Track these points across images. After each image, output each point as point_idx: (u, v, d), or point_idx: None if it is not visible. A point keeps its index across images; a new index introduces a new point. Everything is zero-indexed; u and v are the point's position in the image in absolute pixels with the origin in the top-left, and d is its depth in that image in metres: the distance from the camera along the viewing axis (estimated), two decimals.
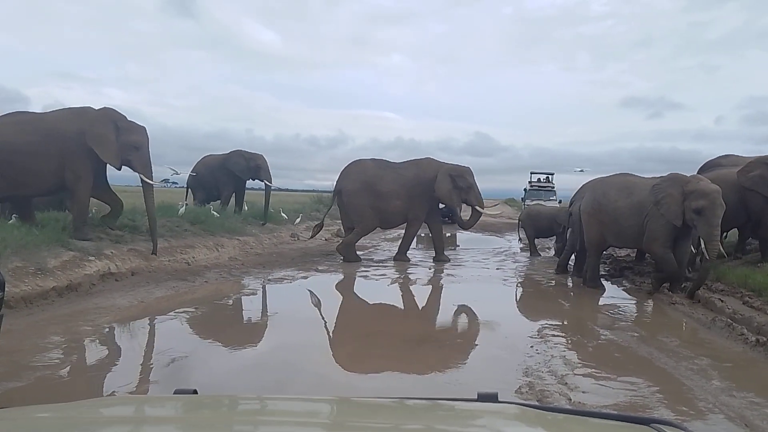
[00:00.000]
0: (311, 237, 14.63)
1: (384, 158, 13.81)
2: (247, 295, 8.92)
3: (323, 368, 5.29)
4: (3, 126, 9.60)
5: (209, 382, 4.84)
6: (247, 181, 17.24)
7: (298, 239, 16.15)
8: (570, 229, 12.18)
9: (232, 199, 17.17)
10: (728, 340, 6.66)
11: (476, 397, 1.45)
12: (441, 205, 13.59)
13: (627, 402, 4.55)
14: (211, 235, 12.70)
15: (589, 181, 11.75)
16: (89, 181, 9.96)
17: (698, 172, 11.87)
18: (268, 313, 8.16)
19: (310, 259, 12.80)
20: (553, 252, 15.89)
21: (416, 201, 13.08)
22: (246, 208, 17.24)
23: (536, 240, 15.74)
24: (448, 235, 19.95)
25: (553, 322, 7.45)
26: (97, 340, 6.06)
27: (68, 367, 5.19)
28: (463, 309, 8.64)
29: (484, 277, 11.55)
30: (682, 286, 9.44)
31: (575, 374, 5.23)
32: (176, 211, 12.41)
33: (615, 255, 14.12)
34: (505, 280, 11.27)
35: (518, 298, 9.96)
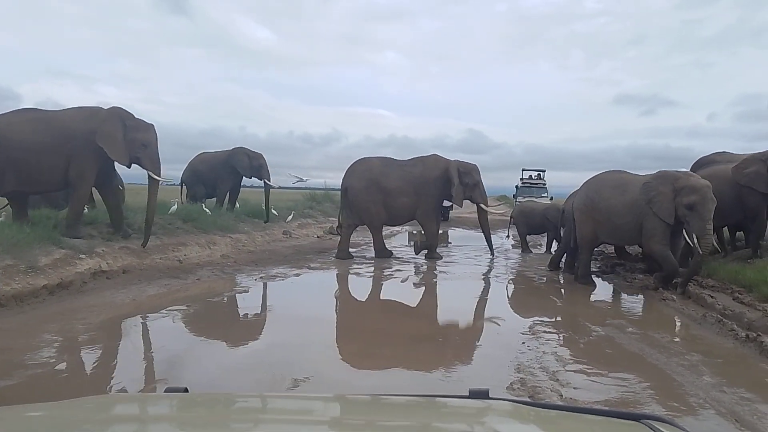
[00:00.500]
0: (337, 235, 14.42)
1: (379, 155, 13.78)
2: (239, 292, 8.91)
3: (317, 365, 5.29)
4: (17, 124, 9.69)
5: (202, 380, 4.83)
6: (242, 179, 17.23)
7: (291, 236, 16.13)
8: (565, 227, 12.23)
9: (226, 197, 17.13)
10: (719, 335, 6.71)
11: (468, 393, 1.45)
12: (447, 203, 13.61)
13: (618, 398, 4.57)
14: (204, 233, 12.67)
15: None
16: (92, 180, 10.10)
17: (692, 169, 11.97)
18: (261, 311, 8.15)
19: (303, 256, 12.80)
20: (545, 249, 15.98)
21: (425, 198, 13.10)
22: (237, 205, 17.22)
23: (528, 237, 15.81)
24: (440, 232, 20.04)
25: (545, 319, 7.49)
26: (89, 339, 6.04)
27: (60, 366, 5.17)
28: (455, 306, 8.66)
29: (477, 274, 11.58)
30: (673, 281, 9.50)
31: (567, 370, 5.25)
32: (167, 209, 12.35)
33: (606, 252, 14.18)
34: (497, 277, 11.30)
35: (510, 294, 9.99)
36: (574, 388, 4.75)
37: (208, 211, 14.23)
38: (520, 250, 15.34)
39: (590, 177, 10.85)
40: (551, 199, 26.51)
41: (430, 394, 1.51)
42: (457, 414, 1.38)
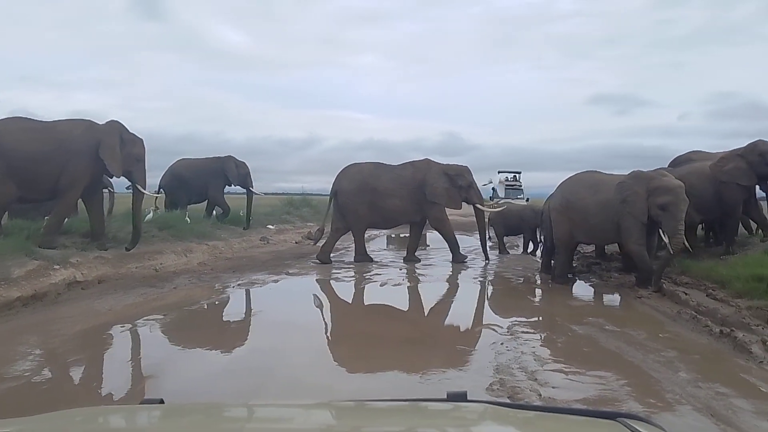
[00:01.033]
0: (315, 243, 14.29)
1: (369, 161, 13.76)
2: (217, 300, 8.84)
3: (297, 371, 5.27)
4: (15, 132, 9.81)
5: (181, 389, 4.79)
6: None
7: (269, 242, 16.05)
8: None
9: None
10: (694, 332, 6.81)
11: (446, 396, 1.46)
12: None
13: (596, 396, 4.62)
14: (180, 241, 12.57)
15: None
16: (80, 191, 10.40)
17: (669, 166, 12.25)
18: (240, 318, 8.10)
19: (282, 262, 12.74)
20: (521, 250, 16.08)
21: (426, 204, 13.05)
22: (215, 213, 17.17)
23: (505, 238, 15.89)
24: (423, 233, 20.05)
25: (523, 319, 7.53)
26: (64, 350, 5.95)
27: (34, 379, 5.08)
28: (434, 308, 8.69)
29: (455, 276, 11.63)
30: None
31: (545, 370, 5.29)
32: (143, 218, 12.20)
33: (582, 251, 14.29)
34: (475, 278, 11.35)
35: (488, 296, 10.04)
36: (553, 388, 4.78)
37: (188, 219, 14.19)
38: (497, 252, 15.41)
39: (566, 177, 10.95)
40: (527, 200, 26.74)
41: (409, 399, 1.51)
42: (434, 417, 1.39)
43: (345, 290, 9.90)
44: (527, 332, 6.78)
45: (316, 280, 10.80)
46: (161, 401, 1.47)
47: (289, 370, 5.32)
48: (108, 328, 6.94)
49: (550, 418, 1.39)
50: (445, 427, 1.30)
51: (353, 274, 11.43)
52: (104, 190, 12.65)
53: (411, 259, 13.28)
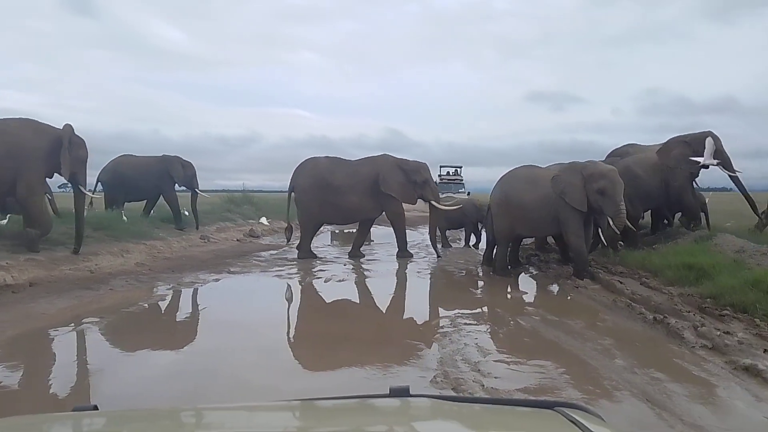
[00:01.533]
0: (288, 242, 14.03)
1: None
2: (156, 301, 8.62)
3: (241, 372, 5.19)
4: None
5: (119, 393, 4.66)
6: None
7: (209, 241, 15.75)
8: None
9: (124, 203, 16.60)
10: (629, 319, 7.03)
11: (388, 392, 1.45)
12: None
13: (537, 385, 4.71)
14: (116, 241, 12.19)
15: None
16: (42, 192, 10.70)
17: (607, 158, 12.71)
18: (180, 319, 7.92)
19: (223, 261, 12.51)
20: (463, 243, 16.28)
21: (383, 198, 12.93)
22: (153, 213, 16.76)
23: (447, 231, 16.05)
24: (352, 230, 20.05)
25: (466, 311, 7.61)
26: None
27: None
28: (378, 304, 8.72)
29: (400, 270, 11.69)
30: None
31: (488, 361, 5.37)
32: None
33: (523, 244, 14.57)
34: (419, 272, 11.43)
35: (431, 289, 10.13)
36: (495, 378, 4.86)
37: (125, 218, 13.84)
38: (440, 246, 15.55)
39: (505, 172, 11.15)
40: (468, 194, 27.13)
41: (352, 396, 1.50)
42: (376, 414, 1.38)
43: (287, 289, 9.80)
44: (470, 324, 6.87)
45: (259, 278, 10.65)
46: (95, 408, 1.42)
47: (232, 370, 5.23)
48: (41, 332, 6.68)
49: (490, 410, 1.41)
50: (386, 423, 1.30)
51: (297, 271, 11.34)
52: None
53: (356, 255, 13.26)
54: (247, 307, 8.40)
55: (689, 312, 6.86)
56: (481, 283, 10.34)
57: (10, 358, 5.71)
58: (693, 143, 11.16)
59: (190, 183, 16.67)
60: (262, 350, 6.00)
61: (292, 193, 13.34)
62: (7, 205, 11.18)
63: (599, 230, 9.76)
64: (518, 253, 11.69)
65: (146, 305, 8.32)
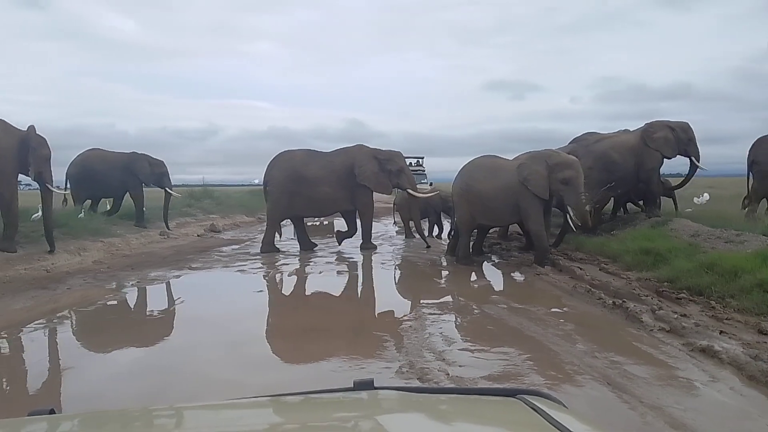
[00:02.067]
0: (279, 236, 13.77)
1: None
2: (115, 300, 8.44)
3: (204, 368, 5.13)
4: None
5: (76, 395, 4.56)
6: None
7: (169, 237, 15.51)
8: None
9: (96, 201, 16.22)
10: (589, 304, 7.17)
11: (352, 385, 1.45)
12: None
13: (500, 372, 4.77)
14: (73, 239, 11.92)
15: None
16: (15, 191, 10.74)
17: (569, 145, 13.00)
18: (140, 318, 7.77)
19: (183, 257, 12.34)
20: (427, 233, 16.35)
21: (355, 189, 12.83)
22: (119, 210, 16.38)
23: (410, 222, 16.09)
24: (326, 222, 19.99)
25: (430, 301, 7.67)
26: None
27: None
28: (341, 295, 8.71)
29: (363, 261, 11.70)
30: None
31: (453, 349, 5.42)
32: (29, 217, 11.48)
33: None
34: (383, 263, 11.45)
35: (395, 279, 10.15)
36: (460, 366, 4.91)
37: (83, 215, 13.56)
38: (403, 236, 15.61)
39: (466, 162, 11.21)
40: (431, 184, 27.24)
41: (314, 390, 1.49)
42: (340, 409, 1.37)
43: (251, 283, 9.71)
44: (434, 313, 6.91)
45: (219, 274, 10.51)
46: (51, 411, 1.37)
47: (196, 367, 5.17)
48: None
49: (453, 400, 1.42)
50: (351, 417, 1.29)
51: (260, 265, 11.24)
52: None
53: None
54: (210, 302, 8.29)
55: (647, 296, 7.03)
56: (445, 273, 10.41)
57: None
58: (677, 129, 11.68)
59: (160, 181, 16.21)
60: (224, 346, 5.92)
61: (267, 187, 13.21)
62: None
63: (567, 216, 9.87)
64: (482, 243, 11.81)
65: (104, 304, 8.15)
